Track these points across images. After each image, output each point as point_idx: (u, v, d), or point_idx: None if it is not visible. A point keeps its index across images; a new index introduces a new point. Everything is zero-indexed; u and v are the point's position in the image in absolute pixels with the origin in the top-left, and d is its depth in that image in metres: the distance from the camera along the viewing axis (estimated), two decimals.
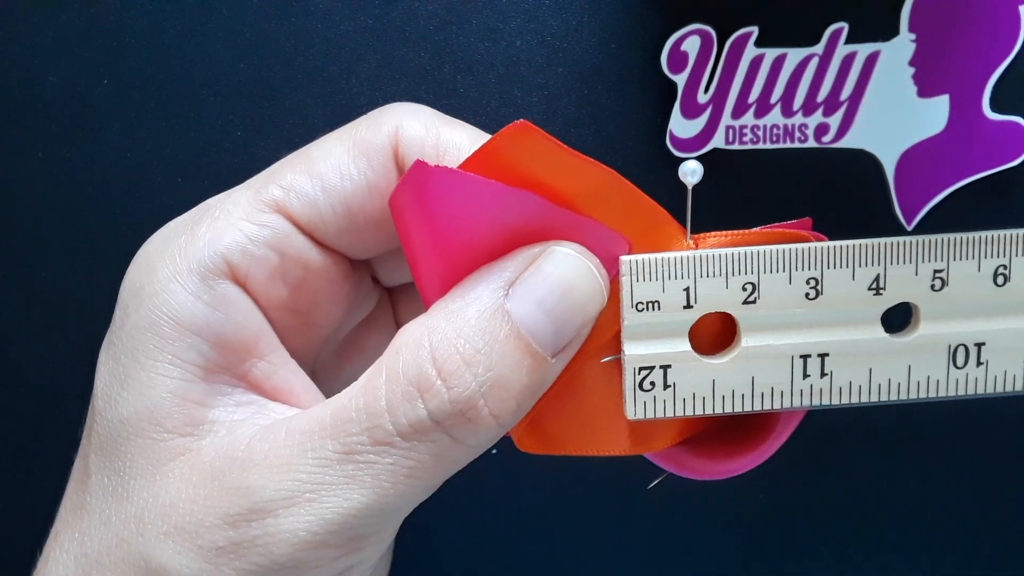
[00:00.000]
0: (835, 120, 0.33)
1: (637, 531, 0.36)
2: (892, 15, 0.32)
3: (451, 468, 0.19)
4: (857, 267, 0.23)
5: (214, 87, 0.34)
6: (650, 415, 0.21)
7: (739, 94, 0.33)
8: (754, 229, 0.22)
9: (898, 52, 0.33)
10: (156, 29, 0.34)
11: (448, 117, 0.23)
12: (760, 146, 0.33)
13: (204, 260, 0.20)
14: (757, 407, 0.22)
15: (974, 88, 0.33)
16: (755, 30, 0.32)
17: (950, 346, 0.22)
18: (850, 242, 0.23)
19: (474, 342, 0.18)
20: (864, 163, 0.34)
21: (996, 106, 0.33)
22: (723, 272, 0.21)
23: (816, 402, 0.22)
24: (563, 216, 0.19)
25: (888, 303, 0.22)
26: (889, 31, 0.33)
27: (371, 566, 0.21)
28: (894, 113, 0.33)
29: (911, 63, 0.33)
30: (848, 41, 0.32)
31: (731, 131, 0.33)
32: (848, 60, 0.33)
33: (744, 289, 0.21)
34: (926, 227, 0.34)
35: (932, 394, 0.22)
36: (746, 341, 0.21)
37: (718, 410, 0.21)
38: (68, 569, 0.20)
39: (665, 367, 0.21)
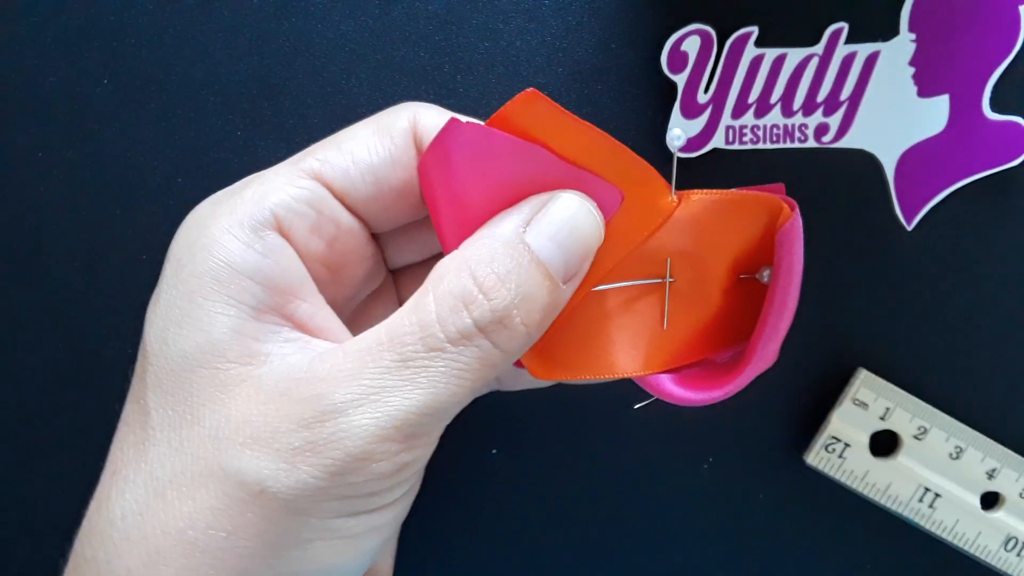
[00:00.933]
0: (835, 120, 0.33)
1: (636, 531, 0.36)
2: (892, 15, 0.32)
3: (492, 371, 0.22)
4: (989, 457, 0.34)
5: (214, 87, 0.34)
6: (823, 468, 0.34)
7: (739, 94, 0.33)
8: (733, 189, 0.25)
9: (898, 52, 0.33)
10: (156, 29, 0.34)
11: (451, 112, 0.26)
12: (760, 146, 0.33)
13: (254, 214, 0.23)
14: (882, 502, 0.34)
15: (974, 88, 0.33)
16: (755, 30, 0.32)
17: (1012, 538, 0.34)
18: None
19: (505, 264, 0.22)
20: (864, 163, 0.34)
21: (996, 106, 0.33)
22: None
23: (917, 521, 0.34)
24: (567, 169, 0.23)
25: (990, 488, 0.34)
26: (889, 31, 0.33)
27: (422, 467, 0.24)
28: (894, 113, 0.33)
29: (911, 63, 0.33)
30: (848, 41, 0.32)
31: (731, 131, 0.33)
32: (848, 60, 0.33)
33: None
34: (926, 227, 0.34)
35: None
36: (902, 459, 0.34)
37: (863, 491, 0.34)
38: (138, 495, 0.22)
39: (847, 445, 0.34)
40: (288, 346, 0.23)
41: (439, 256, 0.29)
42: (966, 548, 0.35)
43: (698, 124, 0.33)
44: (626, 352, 0.25)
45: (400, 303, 0.29)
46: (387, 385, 0.21)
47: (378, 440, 0.21)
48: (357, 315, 0.28)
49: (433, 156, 0.23)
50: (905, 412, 0.34)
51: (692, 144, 0.33)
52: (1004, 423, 0.35)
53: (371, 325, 0.28)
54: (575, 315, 0.25)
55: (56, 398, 0.36)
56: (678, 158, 0.26)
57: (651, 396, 0.26)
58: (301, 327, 0.23)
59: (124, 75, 0.34)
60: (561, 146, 0.23)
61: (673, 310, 0.25)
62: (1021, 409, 0.35)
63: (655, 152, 0.34)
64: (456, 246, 0.23)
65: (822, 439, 0.34)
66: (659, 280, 0.25)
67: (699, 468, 0.36)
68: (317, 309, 0.24)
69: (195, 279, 0.22)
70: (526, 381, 0.29)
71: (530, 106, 0.22)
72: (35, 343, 0.35)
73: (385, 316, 0.29)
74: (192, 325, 0.22)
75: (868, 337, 0.35)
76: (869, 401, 0.34)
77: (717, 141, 0.33)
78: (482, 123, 0.23)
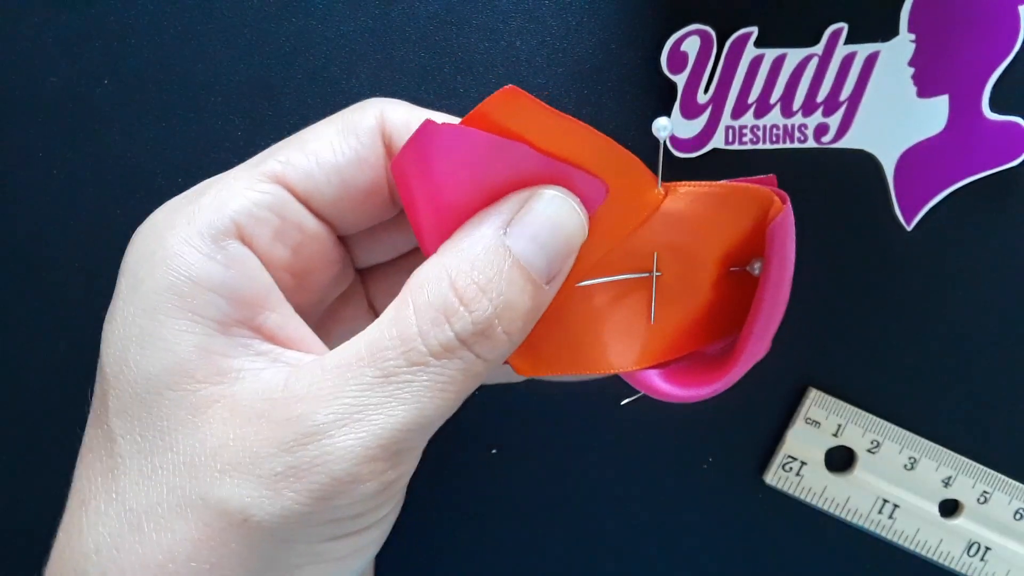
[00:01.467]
0: (835, 120, 0.33)
1: (636, 530, 0.36)
2: (892, 15, 0.32)
3: (475, 381, 0.22)
4: (943, 466, 0.35)
5: (214, 87, 0.34)
6: (782, 487, 0.35)
7: (739, 94, 0.33)
8: (722, 181, 0.25)
9: (898, 52, 0.33)
10: (156, 29, 0.34)
11: (425, 109, 0.25)
12: (760, 146, 0.33)
13: (214, 223, 0.22)
14: (844, 517, 0.35)
15: (974, 88, 0.33)
16: (755, 30, 0.32)
17: (973, 543, 0.35)
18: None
19: (486, 272, 0.21)
20: (864, 163, 0.34)
21: (996, 106, 0.33)
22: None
23: (879, 532, 0.35)
24: (548, 164, 0.22)
25: (948, 495, 0.35)
26: (889, 31, 0.33)
27: (407, 482, 0.23)
28: (894, 113, 0.33)
29: (911, 63, 0.33)
30: (848, 41, 0.32)
31: (731, 131, 0.33)
32: (848, 60, 0.33)
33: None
34: (925, 227, 0.34)
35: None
36: (858, 474, 0.35)
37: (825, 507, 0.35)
38: (111, 527, 0.20)
39: (803, 463, 0.35)
40: (259, 360, 0.22)
41: (409, 255, 0.28)
42: (930, 556, 0.35)
43: (698, 124, 0.33)
44: (612, 347, 0.25)
45: (369, 304, 0.28)
46: (370, 402, 0.20)
47: (364, 461, 0.20)
48: (325, 319, 0.28)
49: (408, 157, 0.22)
50: (857, 427, 0.35)
51: (692, 144, 0.33)
52: (956, 432, 0.35)
53: (340, 328, 0.28)
54: (559, 310, 0.24)
55: (56, 398, 0.36)
56: (664, 149, 0.26)
57: (638, 392, 0.26)
58: (271, 339, 0.22)
59: (124, 75, 0.34)
60: (543, 141, 0.22)
61: (660, 304, 0.25)
62: (975, 417, 0.35)
63: (654, 152, 0.34)
64: (435, 248, 0.22)
65: (779, 458, 0.35)
66: (646, 275, 0.25)
67: (699, 468, 0.36)
68: (286, 319, 0.23)
69: (155, 295, 0.21)
70: (508, 375, 0.28)
71: (509, 103, 0.21)
72: (35, 343, 0.35)
73: (354, 318, 0.28)
74: (155, 345, 0.21)
75: (817, 354, 0.35)
76: (821, 419, 0.35)
77: (717, 141, 0.33)
78: (457, 122, 0.22)
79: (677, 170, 0.34)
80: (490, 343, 0.21)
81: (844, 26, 0.32)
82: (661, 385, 0.25)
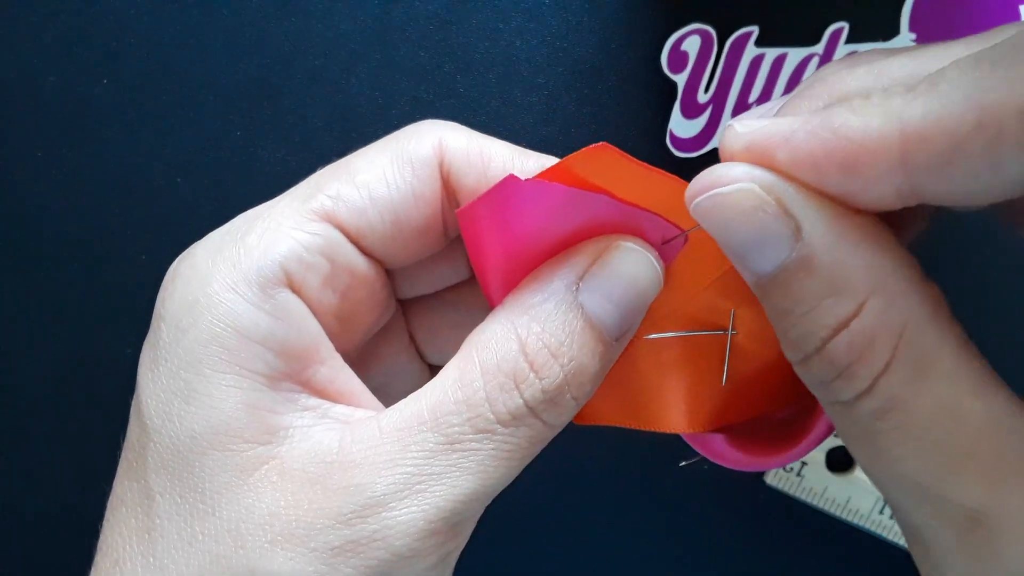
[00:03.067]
0: None
1: (636, 531, 0.36)
2: (892, 15, 0.32)
3: (539, 447, 0.20)
4: None
5: (214, 87, 0.34)
6: (782, 487, 0.34)
7: (739, 94, 0.33)
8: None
9: None
10: (156, 29, 0.34)
11: (479, 133, 0.24)
12: None
13: (262, 269, 0.20)
14: (844, 517, 0.35)
15: None
16: (755, 30, 0.32)
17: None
18: None
19: (557, 335, 0.20)
20: None
21: None
22: None
23: (880, 533, 0.35)
24: (625, 211, 0.21)
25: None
26: (889, 31, 0.33)
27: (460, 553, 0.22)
28: None
29: None
30: (848, 41, 0.32)
31: None
32: None
33: None
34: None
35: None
36: (858, 474, 0.35)
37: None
38: None
39: (804, 463, 0.35)
40: (307, 416, 0.20)
41: (455, 287, 0.26)
42: None
43: (698, 124, 0.33)
44: (676, 405, 0.23)
45: (411, 336, 0.26)
46: (433, 472, 0.19)
47: (425, 535, 0.19)
48: (364, 354, 0.26)
49: (483, 209, 0.20)
50: None
51: (692, 144, 0.33)
52: None
53: (380, 364, 0.26)
54: (622, 360, 0.22)
55: (56, 397, 0.36)
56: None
57: (697, 455, 0.24)
58: (319, 392, 0.21)
59: (124, 75, 0.34)
60: (625, 192, 0.21)
61: (731, 364, 0.23)
62: None
63: (655, 152, 0.34)
64: (501, 298, 0.21)
65: None
66: (720, 332, 0.23)
67: (699, 468, 0.36)
68: (336, 372, 0.21)
69: (200, 347, 0.20)
70: None
71: (598, 158, 0.20)
72: (35, 343, 0.35)
73: (395, 353, 0.26)
74: (200, 401, 0.19)
75: None
76: None
77: (717, 141, 0.33)
78: (541, 173, 0.21)
79: (677, 170, 0.33)
80: (558, 409, 0.20)
81: (845, 25, 0.32)
82: (725, 450, 0.24)
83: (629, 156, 0.20)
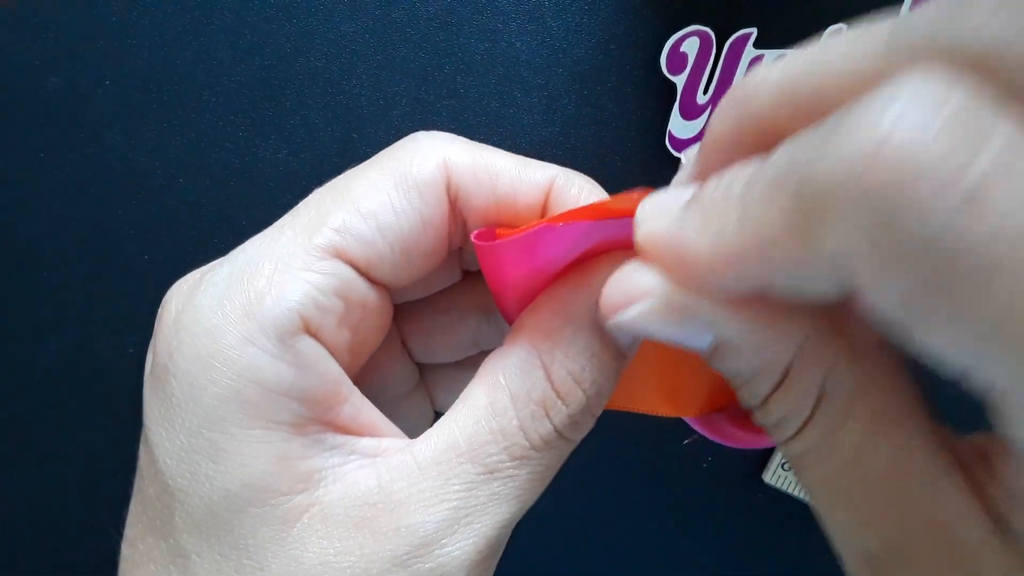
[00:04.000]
0: None
1: (635, 530, 0.36)
2: (891, 16, 0.33)
3: (561, 463, 0.21)
4: None
5: (215, 87, 0.34)
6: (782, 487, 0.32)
7: None
8: None
9: None
10: (157, 30, 0.34)
11: (477, 143, 0.23)
12: None
13: (278, 319, 0.19)
14: None
15: None
16: (754, 31, 0.32)
17: None
18: None
19: (579, 360, 0.20)
20: None
21: None
22: None
23: None
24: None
25: None
26: None
27: None
28: None
29: None
30: None
31: None
32: None
33: None
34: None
35: None
36: None
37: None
38: None
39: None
40: (335, 455, 0.20)
41: (445, 291, 0.26)
42: None
43: (698, 124, 0.33)
44: (679, 391, 0.24)
45: (403, 342, 0.26)
46: (477, 503, 0.19)
47: (476, 564, 0.19)
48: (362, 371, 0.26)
49: (509, 247, 0.20)
50: None
51: (691, 144, 0.33)
52: (957, 431, 0.35)
53: (374, 372, 0.26)
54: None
55: (57, 397, 0.36)
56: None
57: (695, 433, 0.25)
58: (344, 430, 0.21)
59: (125, 75, 0.34)
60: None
61: None
62: (976, 416, 0.35)
63: (654, 152, 0.34)
64: (517, 314, 0.21)
65: (778, 458, 0.35)
66: None
67: (699, 467, 0.36)
68: (358, 407, 0.21)
69: (222, 404, 0.19)
70: None
71: (636, 200, 0.20)
72: (35, 343, 0.35)
73: (389, 360, 0.26)
74: (230, 460, 0.19)
75: None
76: None
77: None
78: (574, 213, 0.21)
79: (677, 170, 0.34)
80: (581, 428, 0.21)
81: (843, 27, 0.32)
82: (725, 428, 0.24)
83: None
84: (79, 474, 0.36)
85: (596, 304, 0.19)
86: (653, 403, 0.24)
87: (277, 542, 0.19)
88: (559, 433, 0.20)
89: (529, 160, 0.23)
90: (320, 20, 0.34)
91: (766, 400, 0.18)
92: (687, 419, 0.25)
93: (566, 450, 0.21)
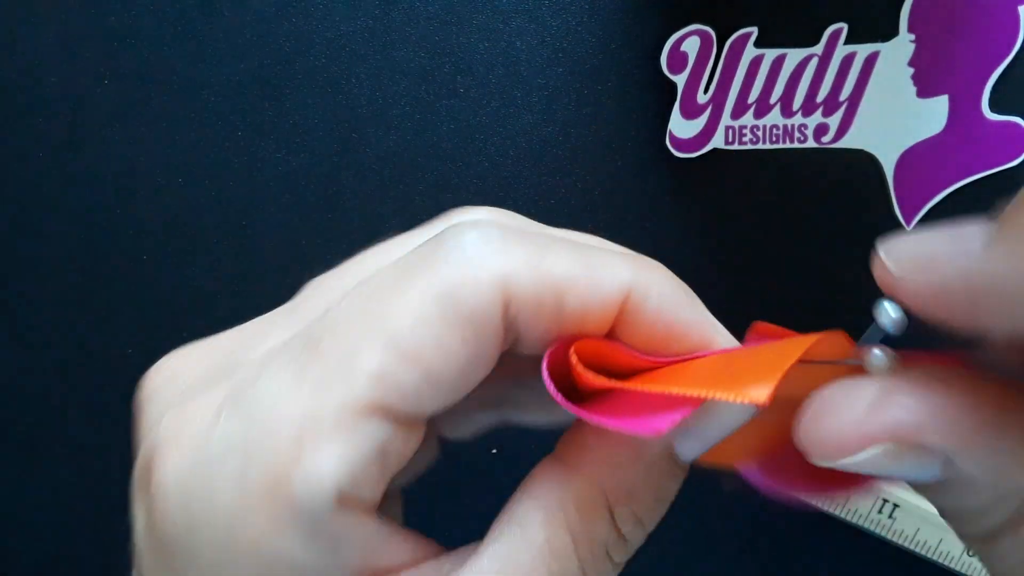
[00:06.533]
0: (834, 120, 0.33)
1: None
2: (892, 16, 0.32)
3: None
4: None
5: (215, 87, 0.34)
6: None
7: (739, 94, 0.33)
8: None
9: (897, 52, 0.33)
10: (157, 29, 0.34)
11: (534, 235, 0.19)
12: (760, 146, 0.33)
13: (313, 501, 0.16)
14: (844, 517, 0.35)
15: (973, 88, 0.33)
16: (754, 31, 0.32)
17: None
18: None
19: (647, 502, 0.19)
20: (863, 163, 0.34)
21: (995, 106, 0.33)
22: None
23: (879, 532, 0.35)
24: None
25: None
26: (889, 31, 0.33)
27: None
28: (893, 113, 0.33)
29: (910, 63, 0.33)
30: (847, 41, 0.32)
31: (731, 131, 0.33)
32: (847, 60, 0.33)
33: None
34: (926, 227, 0.34)
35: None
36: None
37: None
38: None
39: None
40: None
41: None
42: (929, 556, 0.35)
43: (698, 124, 0.33)
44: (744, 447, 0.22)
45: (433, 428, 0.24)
46: None
47: None
48: None
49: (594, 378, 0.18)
50: None
51: (692, 144, 0.33)
52: None
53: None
54: None
55: (57, 397, 0.36)
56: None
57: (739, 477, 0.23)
58: (385, 571, 0.19)
59: (124, 75, 0.34)
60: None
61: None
62: None
63: (653, 152, 0.34)
64: (580, 412, 0.19)
65: None
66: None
67: (699, 467, 0.36)
68: (396, 553, 0.19)
69: None
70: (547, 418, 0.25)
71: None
72: (35, 343, 0.35)
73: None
74: None
75: None
76: None
77: (717, 141, 0.33)
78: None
79: (677, 170, 0.34)
80: (629, 553, 0.20)
81: (844, 26, 0.32)
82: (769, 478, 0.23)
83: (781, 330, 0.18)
84: (78, 474, 0.36)
85: (674, 441, 0.18)
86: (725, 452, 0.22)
87: None
88: (615, 568, 0.19)
89: (592, 251, 0.19)
90: (319, 19, 0.34)
91: (995, 536, 0.16)
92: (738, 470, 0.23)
93: (615, 573, 0.20)
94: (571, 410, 0.17)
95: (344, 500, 0.17)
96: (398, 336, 0.17)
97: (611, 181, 0.34)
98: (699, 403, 0.17)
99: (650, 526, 0.19)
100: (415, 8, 0.34)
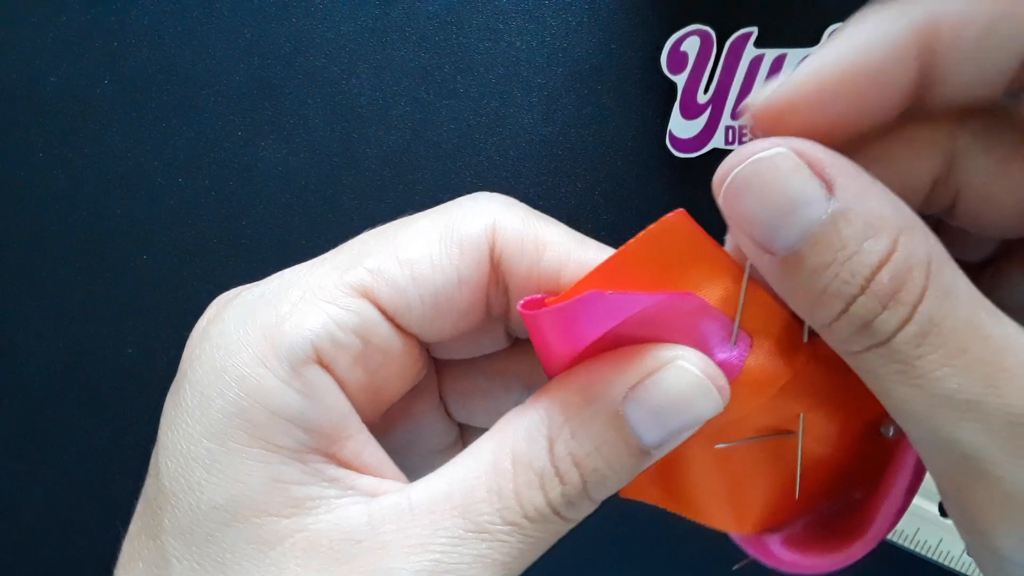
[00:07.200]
0: None
1: (635, 531, 0.36)
2: None
3: (556, 539, 0.21)
4: None
5: (215, 87, 0.34)
6: None
7: (739, 94, 0.33)
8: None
9: None
10: (157, 29, 0.34)
11: (536, 212, 0.22)
12: None
13: (293, 346, 0.20)
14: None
15: None
16: (754, 31, 0.32)
17: None
18: None
19: (585, 445, 0.20)
20: None
21: None
22: None
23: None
24: (693, 311, 0.20)
25: None
26: None
27: None
28: None
29: None
30: None
31: (731, 131, 0.33)
32: None
33: None
34: None
35: None
36: None
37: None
38: None
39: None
40: (333, 488, 0.20)
41: (489, 355, 0.26)
42: (929, 556, 0.35)
43: (698, 124, 0.33)
44: (727, 503, 0.23)
45: (442, 396, 0.26)
46: (460, 560, 0.19)
47: None
48: (391, 411, 0.26)
49: (558, 319, 0.20)
50: None
51: (692, 144, 0.33)
52: None
53: (407, 422, 0.26)
54: (677, 452, 0.21)
55: (58, 397, 0.36)
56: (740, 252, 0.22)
57: (747, 557, 0.23)
58: (345, 464, 0.21)
59: (125, 75, 0.34)
60: (696, 280, 0.20)
61: (791, 467, 0.22)
62: None
63: (654, 152, 0.34)
64: (557, 372, 0.21)
65: None
66: (786, 434, 0.22)
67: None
68: (363, 446, 0.21)
69: (225, 419, 0.19)
70: None
71: (676, 229, 0.20)
72: (35, 343, 0.35)
73: (423, 412, 0.26)
74: (223, 473, 0.19)
75: None
76: None
77: (717, 141, 0.33)
78: (611, 270, 0.20)
79: (677, 170, 0.34)
80: (577, 509, 0.20)
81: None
82: (780, 552, 0.23)
83: (704, 232, 0.20)
84: (79, 474, 0.36)
85: (626, 393, 0.19)
86: (709, 513, 0.23)
87: (254, 561, 0.19)
88: (552, 508, 0.20)
89: (587, 240, 0.22)
90: (319, 20, 0.34)
91: (875, 274, 0.17)
92: (736, 538, 0.23)
93: (561, 528, 0.20)
94: (534, 315, 0.20)
95: (323, 357, 0.20)
96: (400, 247, 0.21)
97: (611, 181, 0.34)
98: (609, 267, 0.19)
99: (593, 482, 0.20)
100: (415, 8, 0.34)
